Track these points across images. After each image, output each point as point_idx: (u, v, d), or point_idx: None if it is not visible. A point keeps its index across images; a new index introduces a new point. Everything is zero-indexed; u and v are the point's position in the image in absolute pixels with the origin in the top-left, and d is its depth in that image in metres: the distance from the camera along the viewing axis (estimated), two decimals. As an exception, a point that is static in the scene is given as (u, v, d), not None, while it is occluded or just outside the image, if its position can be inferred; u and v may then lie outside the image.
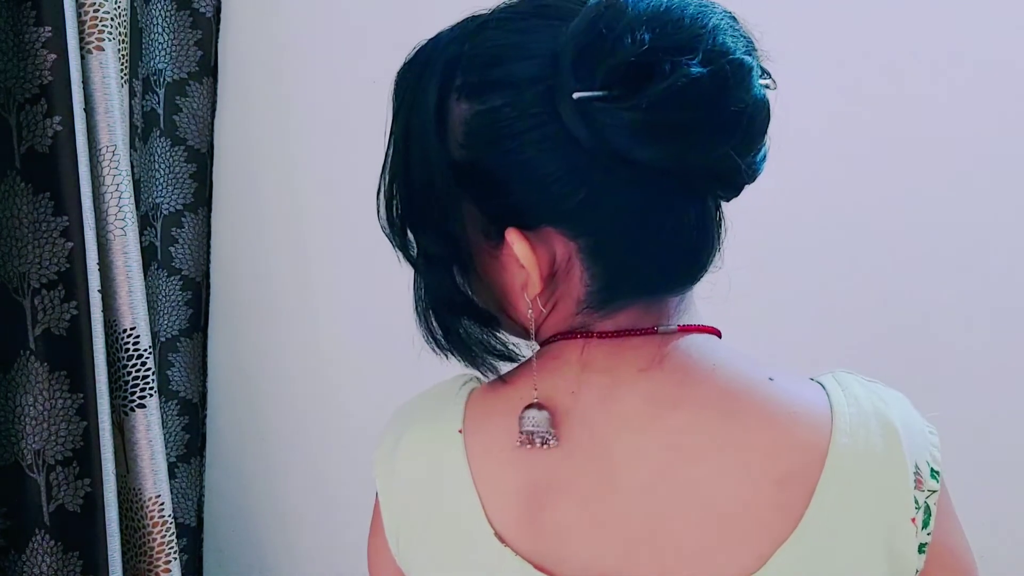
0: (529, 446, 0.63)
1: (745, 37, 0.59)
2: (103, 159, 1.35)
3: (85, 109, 1.33)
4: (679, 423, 0.62)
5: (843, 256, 1.31)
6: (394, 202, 0.68)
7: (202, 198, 1.70)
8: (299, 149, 1.66)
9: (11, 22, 1.27)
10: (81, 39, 1.32)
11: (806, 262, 1.32)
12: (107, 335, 1.38)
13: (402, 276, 1.63)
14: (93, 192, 1.34)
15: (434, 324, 0.69)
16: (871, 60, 1.31)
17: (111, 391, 1.39)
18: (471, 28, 0.64)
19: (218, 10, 1.62)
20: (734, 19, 0.59)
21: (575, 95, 0.56)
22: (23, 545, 1.30)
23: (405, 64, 0.69)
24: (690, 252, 0.63)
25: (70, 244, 1.30)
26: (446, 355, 0.70)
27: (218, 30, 1.63)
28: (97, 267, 1.32)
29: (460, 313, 0.68)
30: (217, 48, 1.63)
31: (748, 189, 0.61)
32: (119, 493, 1.42)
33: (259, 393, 1.77)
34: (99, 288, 1.32)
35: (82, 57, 1.33)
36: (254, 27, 1.63)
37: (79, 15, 1.32)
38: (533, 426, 0.63)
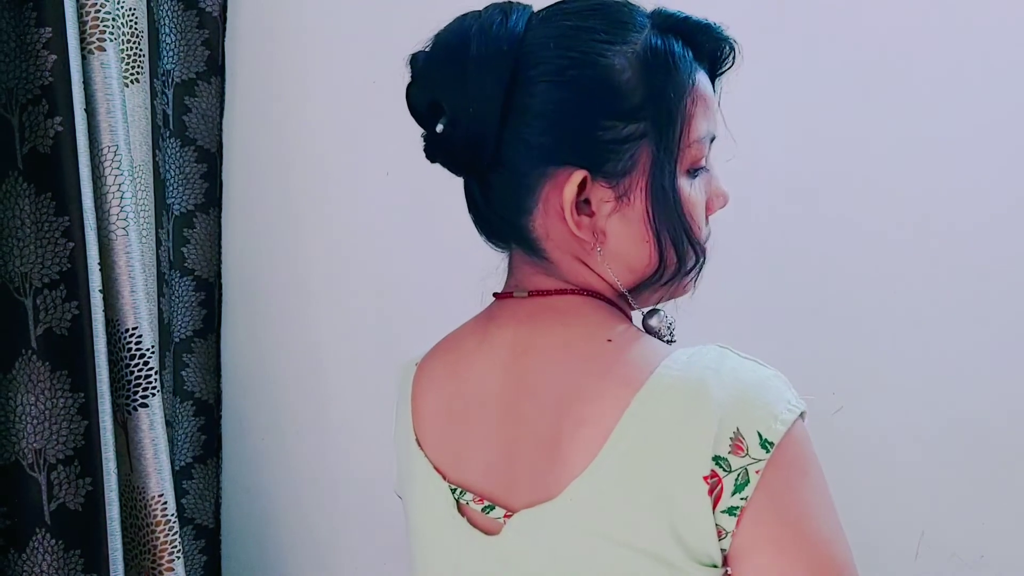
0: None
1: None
2: (105, 159, 1.35)
3: (86, 109, 1.33)
4: (526, 366, 0.75)
5: (843, 252, 1.28)
6: None
7: (213, 198, 1.71)
8: (306, 147, 1.65)
9: (12, 23, 1.28)
10: (82, 40, 1.33)
11: (808, 260, 1.30)
12: (110, 335, 1.38)
13: (412, 275, 1.62)
14: (95, 192, 1.35)
15: None
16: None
17: (114, 391, 1.39)
18: None
19: (224, 9, 1.62)
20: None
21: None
22: (24, 544, 1.31)
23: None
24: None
25: (71, 244, 1.30)
26: None
27: (225, 29, 1.63)
28: (99, 267, 1.33)
29: None
30: (224, 47, 1.64)
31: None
32: (123, 492, 1.42)
33: (273, 393, 1.76)
34: (100, 288, 1.33)
35: (83, 57, 1.33)
36: (260, 26, 1.64)
37: (80, 16, 1.32)
38: None
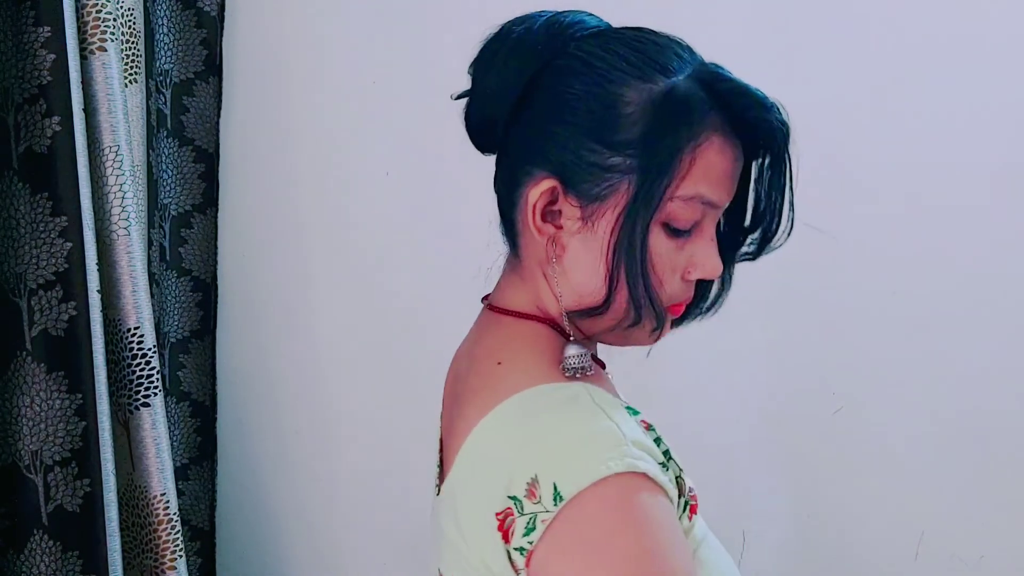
0: None
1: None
2: (106, 159, 1.35)
3: (87, 109, 1.33)
4: (461, 371, 0.82)
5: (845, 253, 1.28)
6: None
7: (210, 198, 1.70)
8: (304, 148, 1.65)
9: (10, 22, 1.28)
10: (83, 39, 1.32)
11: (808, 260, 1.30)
12: (111, 335, 1.38)
13: (407, 277, 1.62)
14: (95, 192, 1.34)
15: None
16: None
17: (116, 390, 1.39)
18: None
19: (222, 8, 1.62)
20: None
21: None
22: (22, 545, 1.30)
23: None
24: None
25: (68, 244, 1.29)
26: None
27: (222, 29, 1.63)
28: (96, 267, 1.32)
29: None
30: (222, 47, 1.63)
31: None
32: (125, 491, 1.42)
33: (268, 394, 1.76)
34: (98, 288, 1.32)
35: (84, 58, 1.33)
36: (258, 25, 1.63)
37: (80, 16, 1.32)
38: None
